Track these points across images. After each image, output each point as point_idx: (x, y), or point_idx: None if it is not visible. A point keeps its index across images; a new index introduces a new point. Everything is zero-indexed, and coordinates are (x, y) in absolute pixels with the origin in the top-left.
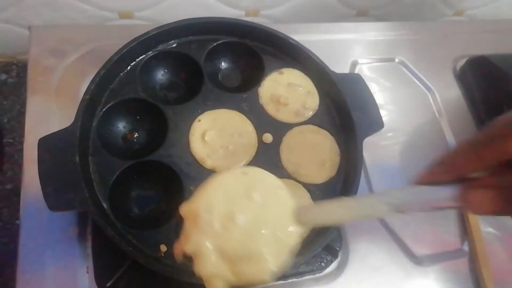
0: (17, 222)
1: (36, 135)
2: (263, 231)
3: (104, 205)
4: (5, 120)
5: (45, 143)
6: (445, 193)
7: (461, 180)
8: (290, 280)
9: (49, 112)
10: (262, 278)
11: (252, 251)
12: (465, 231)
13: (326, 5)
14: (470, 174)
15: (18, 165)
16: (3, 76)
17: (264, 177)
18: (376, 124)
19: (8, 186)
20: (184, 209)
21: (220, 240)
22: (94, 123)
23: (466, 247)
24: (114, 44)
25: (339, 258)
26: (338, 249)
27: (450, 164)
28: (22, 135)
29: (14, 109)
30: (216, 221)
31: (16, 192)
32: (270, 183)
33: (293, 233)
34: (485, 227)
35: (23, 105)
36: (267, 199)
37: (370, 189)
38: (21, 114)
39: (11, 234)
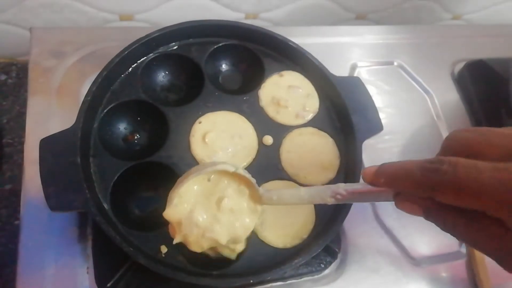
0: (16, 222)
1: (36, 136)
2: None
3: (105, 205)
4: (5, 121)
5: (46, 144)
6: (383, 197)
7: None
8: (289, 281)
9: (49, 113)
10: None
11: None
12: None
13: (325, 9)
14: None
15: (17, 165)
16: (3, 77)
17: (227, 183)
18: (375, 127)
19: (7, 187)
20: (168, 216)
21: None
22: (95, 124)
23: (463, 249)
24: (115, 46)
25: (338, 259)
26: (337, 250)
27: (392, 179)
28: (21, 136)
29: (14, 110)
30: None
31: (15, 193)
32: (233, 187)
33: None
34: None
35: (22, 105)
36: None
37: None
38: (21, 114)
39: (10, 234)
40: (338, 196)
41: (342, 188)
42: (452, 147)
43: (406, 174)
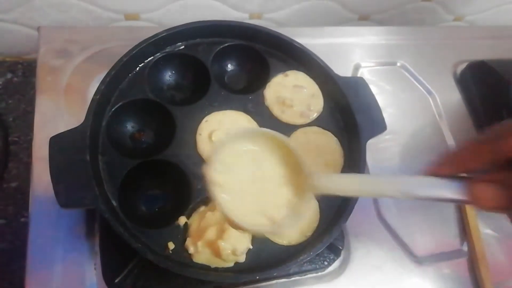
0: (22, 219)
1: (44, 134)
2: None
3: (114, 203)
4: (11, 119)
5: (56, 142)
6: (452, 186)
7: (465, 175)
8: (293, 278)
9: (57, 111)
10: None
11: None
12: (465, 232)
13: (329, 9)
14: (474, 171)
15: (23, 163)
16: (9, 75)
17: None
18: (379, 127)
19: (13, 184)
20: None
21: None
22: (104, 123)
23: (465, 248)
24: (121, 45)
25: (341, 257)
26: (341, 248)
27: (455, 158)
28: (27, 134)
29: (20, 108)
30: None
31: (21, 190)
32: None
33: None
34: (484, 228)
35: (28, 104)
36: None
37: None
38: (26, 113)
39: (17, 231)
40: (405, 196)
41: (412, 187)
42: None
43: (471, 143)
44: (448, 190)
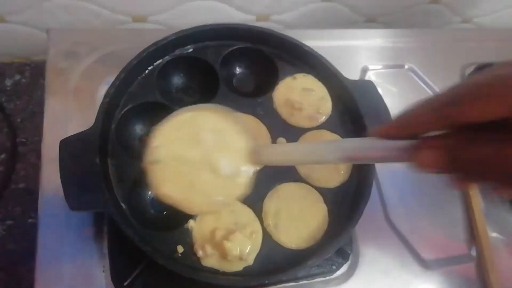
0: (29, 221)
1: (54, 136)
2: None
3: (123, 205)
4: (19, 120)
5: (66, 145)
6: (394, 147)
7: (415, 137)
8: (301, 282)
9: (66, 114)
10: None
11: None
12: (473, 236)
13: (336, 11)
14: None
15: (30, 164)
16: (17, 77)
17: (213, 120)
18: None
19: (21, 185)
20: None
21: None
22: (113, 126)
23: (473, 252)
24: (129, 47)
25: (349, 261)
26: (349, 252)
27: (406, 122)
28: (35, 135)
29: (27, 109)
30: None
31: (28, 191)
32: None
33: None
34: (492, 232)
35: (36, 105)
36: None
37: (380, 193)
38: (34, 114)
39: (24, 232)
40: (347, 159)
41: (351, 149)
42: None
43: (422, 107)
44: (390, 152)
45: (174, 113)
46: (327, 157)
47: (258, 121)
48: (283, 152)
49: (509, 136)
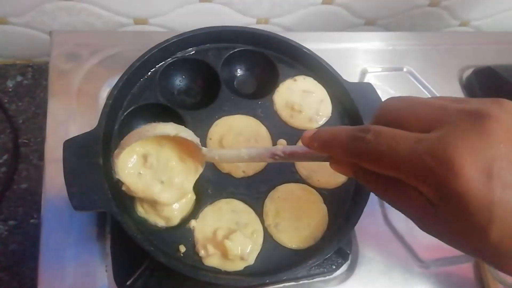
0: (31, 221)
1: (57, 137)
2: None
3: (126, 205)
4: (21, 121)
5: (69, 145)
6: (319, 159)
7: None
8: (301, 282)
9: (69, 115)
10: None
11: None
12: None
13: (335, 14)
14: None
15: (33, 165)
16: (19, 78)
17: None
18: None
19: (23, 186)
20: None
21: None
22: (116, 127)
23: None
24: (131, 50)
25: (349, 261)
26: (349, 252)
27: (324, 145)
28: (37, 136)
29: (29, 111)
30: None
31: (30, 192)
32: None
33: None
34: None
35: (38, 106)
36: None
37: None
38: (36, 115)
39: (26, 232)
40: (276, 157)
41: (280, 149)
42: (383, 116)
43: (336, 141)
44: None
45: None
46: (262, 159)
47: (259, 122)
48: (227, 156)
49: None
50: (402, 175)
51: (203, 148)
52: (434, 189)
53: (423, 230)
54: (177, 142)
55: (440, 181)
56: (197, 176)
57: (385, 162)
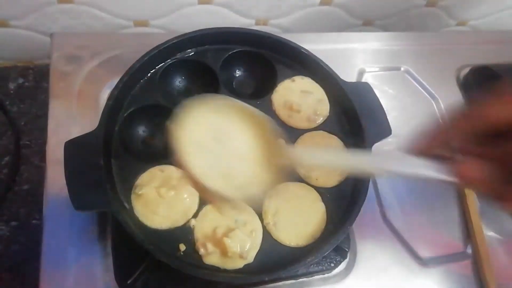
0: (33, 221)
1: (58, 138)
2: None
3: (126, 205)
4: (22, 123)
5: (71, 146)
6: (437, 168)
7: (449, 155)
8: (300, 280)
9: (70, 116)
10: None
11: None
12: (469, 235)
13: (333, 15)
14: (456, 152)
15: (34, 166)
16: (20, 80)
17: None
18: (384, 131)
19: (25, 187)
20: None
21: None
22: (116, 128)
23: (469, 250)
24: (131, 51)
25: (347, 259)
26: (347, 250)
27: (435, 136)
28: (38, 138)
29: (31, 112)
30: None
31: (32, 193)
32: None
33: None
34: (487, 231)
35: (39, 108)
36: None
37: (377, 191)
38: (38, 117)
39: (29, 233)
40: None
41: (397, 167)
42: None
43: (450, 120)
44: (434, 173)
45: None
46: (367, 171)
47: None
48: (323, 157)
49: None
50: None
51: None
52: None
53: None
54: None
55: None
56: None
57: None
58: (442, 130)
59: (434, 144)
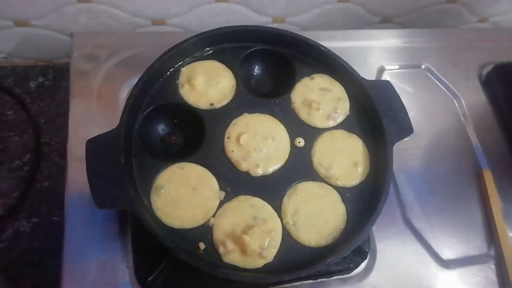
0: (54, 218)
1: (79, 136)
2: None
3: (146, 203)
4: (42, 121)
5: (92, 144)
6: None
7: None
8: (319, 280)
9: (90, 115)
10: None
11: None
12: (492, 236)
13: (351, 12)
14: None
15: (54, 164)
16: (40, 79)
17: None
18: (405, 130)
19: (45, 184)
20: None
21: None
22: (136, 126)
23: (492, 252)
24: (149, 50)
25: (367, 260)
26: (367, 250)
27: None
28: (57, 136)
29: (51, 111)
30: None
31: (52, 190)
32: None
33: None
34: (510, 231)
35: (59, 107)
36: None
37: (397, 191)
38: (57, 115)
39: (49, 229)
40: None
41: None
42: None
43: None
44: None
45: None
46: None
47: (276, 121)
48: None
49: None
50: None
51: None
52: None
53: None
54: None
55: None
56: None
57: None
58: None
59: None
